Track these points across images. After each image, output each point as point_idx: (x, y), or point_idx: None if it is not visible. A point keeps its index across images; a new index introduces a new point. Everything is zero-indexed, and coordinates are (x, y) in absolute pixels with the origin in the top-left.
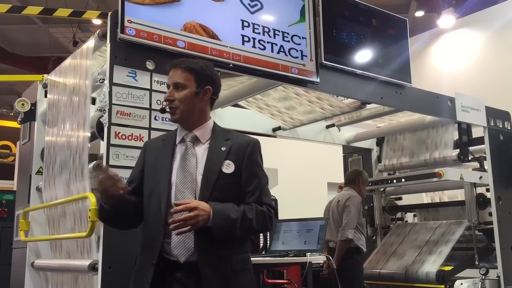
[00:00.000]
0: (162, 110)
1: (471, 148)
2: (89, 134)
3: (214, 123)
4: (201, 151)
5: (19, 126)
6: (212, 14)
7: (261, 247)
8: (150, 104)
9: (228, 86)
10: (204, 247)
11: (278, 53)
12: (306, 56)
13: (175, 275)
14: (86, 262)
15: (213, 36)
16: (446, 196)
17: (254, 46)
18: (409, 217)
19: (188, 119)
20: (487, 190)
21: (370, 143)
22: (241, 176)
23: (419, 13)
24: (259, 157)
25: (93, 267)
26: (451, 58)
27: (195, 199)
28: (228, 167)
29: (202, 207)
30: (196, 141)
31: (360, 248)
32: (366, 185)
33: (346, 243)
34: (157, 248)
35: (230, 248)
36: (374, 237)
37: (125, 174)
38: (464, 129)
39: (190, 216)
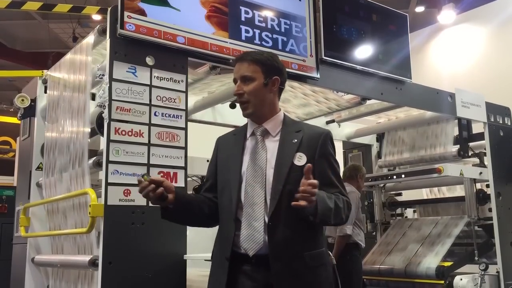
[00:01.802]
0: (232, 105)
1: (471, 144)
2: (89, 130)
3: (285, 114)
4: (272, 145)
5: (19, 122)
6: None
7: None
8: (150, 100)
9: (228, 82)
10: (275, 241)
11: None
12: (306, 51)
13: (243, 268)
14: (86, 258)
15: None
16: (445, 189)
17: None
18: (409, 212)
19: (260, 112)
20: (487, 186)
21: (370, 139)
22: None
23: (420, 9)
24: (331, 147)
25: (93, 263)
26: (452, 54)
27: (265, 193)
28: (300, 160)
29: None
30: (266, 134)
31: (359, 244)
32: (365, 180)
33: (345, 238)
34: (229, 242)
35: (303, 243)
36: (374, 232)
37: (125, 170)
38: (464, 124)
39: (313, 192)
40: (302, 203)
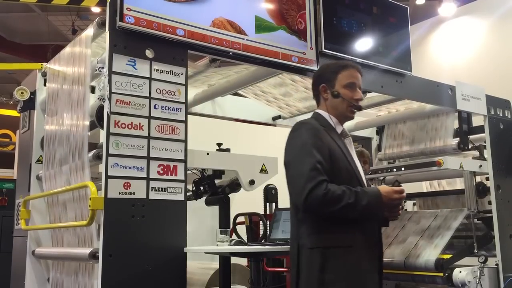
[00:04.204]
0: (359, 108)
1: (471, 137)
2: (88, 123)
3: None
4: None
5: (18, 114)
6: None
7: (261, 235)
8: (150, 93)
9: (228, 75)
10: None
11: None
12: (306, 44)
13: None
14: (86, 250)
15: (240, 31)
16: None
17: None
18: (409, 205)
19: None
20: (487, 178)
21: (370, 132)
22: None
23: (420, 1)
24: None
25: (93, 255)
26: (452, 46)
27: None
28: None
29: None
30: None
31: None
32: (370, 165)
33: None
34: (374, 229)
35: None
36: None
37: (125, 163)
38: (464, 117)
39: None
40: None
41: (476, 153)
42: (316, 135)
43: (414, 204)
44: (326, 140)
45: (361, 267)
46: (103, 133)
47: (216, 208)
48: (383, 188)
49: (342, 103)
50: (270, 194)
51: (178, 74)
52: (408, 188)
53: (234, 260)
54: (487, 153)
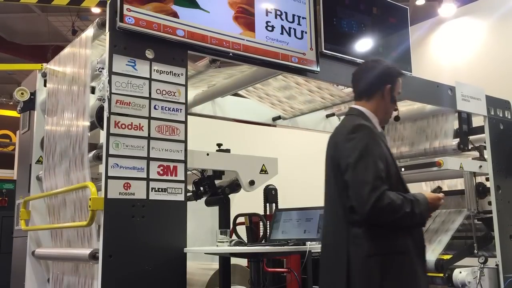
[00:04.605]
0: (397, 118)
1: (471, 137)
2: (88, 124)
3: None
4: None
5: (18, 115)
6: None
7: (261, 236)
8: (150, 93)
9: (228, 75)
10: None
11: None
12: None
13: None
14: (86, 251)
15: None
16: (446, 185)
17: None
18: None
19: None
20: (487, 179)
21: None
22: None
23: (420, 1)
24: None
25: (93, 256)
26: (452, 47)
27: None
28: None
29: None
30: None
31: None
32: None
33: None
34: (421, 234)
35: None
36: None
37: (125, 163)
38: (464, 118)
39: None
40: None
41: (476, 153)
42: (376, 141)
43: None
44: (382, 146)
45: (417, 273)
46: (103, 134)
47: (216, 209)
48: (429, 195)
49: (391, 109)
50: (270, 195)
51: (178, 75)
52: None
53: (234, 260)
54: (487, 154)
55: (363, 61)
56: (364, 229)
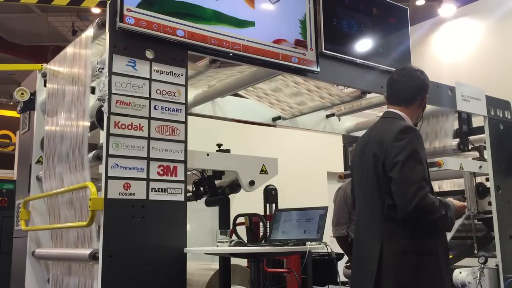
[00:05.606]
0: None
1: (471, 138)
2: (88, 124)
3: None
4: None
5: (18, 115)
6: None
7: (260, 236)
8: (150, 94)
9: (228, 75)
10: None
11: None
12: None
13: None
14: (86, 251)
15: None
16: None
17: None
18: None
19: None
20: (487, 179)
21: None
22: None
23: (420, 2)
24: None
25: (93, 256)
26: (452, 47)
27: None
28: None
29: None
30: None
31: None
32: None
33: (343, 239)
34: (445, 233)
35: None
36: None
37: (125, 164)
38: (464, 118)
39: None
40: None
41: (476, 153)
42: (422, 144)
43: None
44: (424, 150)
45: (442, 274)
46: (103, 134)
47: (216, 209)
48: (457, 203)
49: (419, 117)
50: (270, 195)
51: (178, 75)
52: None
53: (234, 261)
54: (487, 154)
55: (363, 61)
56: (402, 226)
